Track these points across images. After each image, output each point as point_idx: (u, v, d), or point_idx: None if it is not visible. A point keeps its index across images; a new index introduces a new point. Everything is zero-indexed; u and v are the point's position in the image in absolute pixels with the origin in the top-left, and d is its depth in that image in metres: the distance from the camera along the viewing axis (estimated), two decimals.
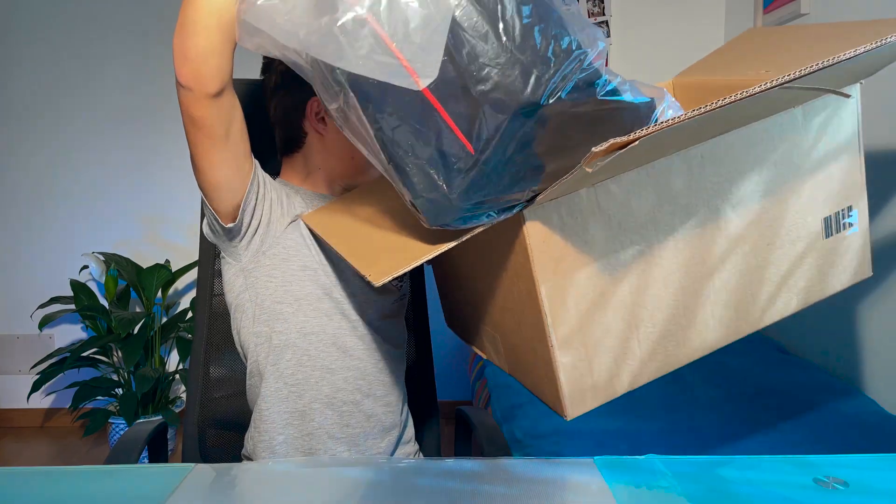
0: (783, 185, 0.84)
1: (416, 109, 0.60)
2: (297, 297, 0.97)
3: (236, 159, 0.89)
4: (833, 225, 0.90)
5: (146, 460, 1.10)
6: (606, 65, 2.79)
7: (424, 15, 0.58)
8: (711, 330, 0.85)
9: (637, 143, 0.59)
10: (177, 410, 2.45)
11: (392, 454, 1.05)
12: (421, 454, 1.16)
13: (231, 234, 0.95)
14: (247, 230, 0.95)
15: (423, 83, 0.59)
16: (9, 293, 2.68)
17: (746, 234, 0.84)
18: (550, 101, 0.61)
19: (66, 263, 2.64)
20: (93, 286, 2.60)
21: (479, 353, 1.02)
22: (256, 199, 0.93)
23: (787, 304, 0.89)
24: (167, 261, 2.60)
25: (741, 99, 0.63)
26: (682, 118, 0.61)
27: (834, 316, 1.79)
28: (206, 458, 1.15)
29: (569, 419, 0.80)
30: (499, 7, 0.60)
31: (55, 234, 2.66)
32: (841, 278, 0.92)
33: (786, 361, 1.82)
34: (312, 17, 0.61)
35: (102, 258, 2.49)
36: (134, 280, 2.46)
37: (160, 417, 2.33)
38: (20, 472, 0.79)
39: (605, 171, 0.68)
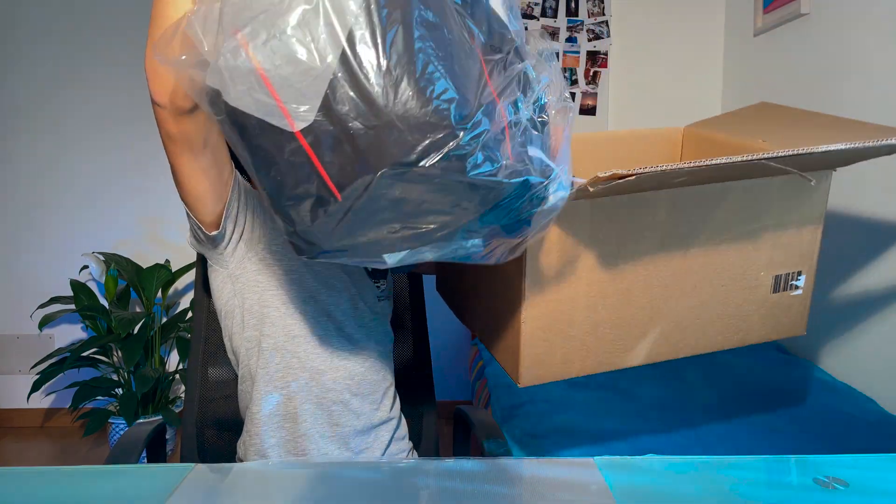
0: (749, 239, 0.97)
1: (290, 148, 0.61)
2: (284, 301, 0.98)
3: (216, 168, 0.88)
4: (782, 283, 1.02)
5: (146, 461, 1.10)
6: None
7: (307, 62, 0.58)
8: (657, 345, 0.98)
9: (633, 177, 0.71)
10: (177, 410, 2.45)
11: (384, 452, 1.06)
12: (415, 452, 1.16)
13: (215, 242, 0.95)
14: (231, 237, 0.95)
15: (297, 126, 0.59)
16: (9, 293, 2.68)
17: (708, 271, 0.96)
18: (421, 166, 0.59)
19: (66, 263, 2.64)
20: (93, 286, 2.60)
21: (457, 314, 1.16)
22: (238, 206, 0.94)
23: (726, 340, 1.02)
24: (167, 261, 2.60)
25: (726, 164, 0.75)
26: (674, 167, 0.72)
27: (834, 316, 1.79)
28: (204, 458, 1.15)
29: (521, 386, 0.92)
30: (384, 66, 0.58)
31: (55, 234, 2.66)
32: (777, 330, 1.04)
33: (786, 361, 1.82)
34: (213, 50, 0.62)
35: (102, 258, 2.49)
36: (134, 280, 2.46)
37: (160, 417, 2.33)
38: (20, 472, 0.79)
39: (604, 190, 0.78)
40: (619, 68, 2.62)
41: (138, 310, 2.56)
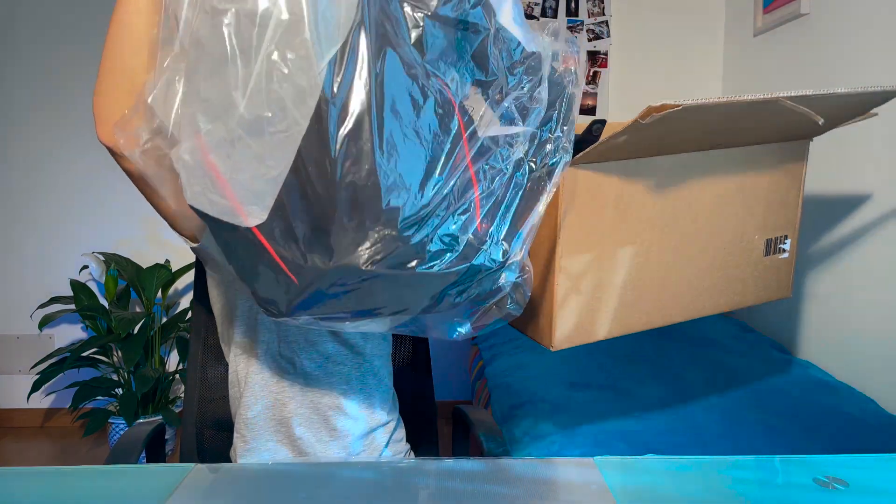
0: (744, 204, 1.06)
1: (248, 239, 0.64)
2: None
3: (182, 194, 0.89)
4: (772, 247, 1.12)
5: (145, 461, 1.10)
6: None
7: (262, 166, 0.59)
8: (670, 307, 1.03)
9: (680, 108, 0.76)
10: (177, 410, 2.45)
11: (380, 455, 1.06)
12: (412, 454, 1.16)
13: (200, 252, 0.95)
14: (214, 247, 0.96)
15: (251, 222, 0.62)
16: (9, 293, 2.68)
17: (712, 235, 1.04)
18: (369, 268, 0.61)
19: (66, 263, 2.64)
20: (93, 286, 2.60)
21: None
22: None
23: (727, 302, 1.10)
24: (167, 261, 2.60)
25: (758, 100, 0.82)
26: (711, 101, 0.78)
27: (833, 316, 1.79)
28: (204, 458, 1.15)
29: (554, 349, 0.94)
30: (337, 170, 0.58)
31: (55, 234, 2.66)
32: (768, 292, 1.14)
33: (786, 361, 1.82)
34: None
35: (102, 258, 2.49)
36: (134, 280, 2.46)
37: (160, 417, 2.33)
38: (20, 472, 0.79)
39: (634, 148, 0.87)
40: (619, 68, 2.62)
41: (138, 310, 2.56)
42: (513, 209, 0.69)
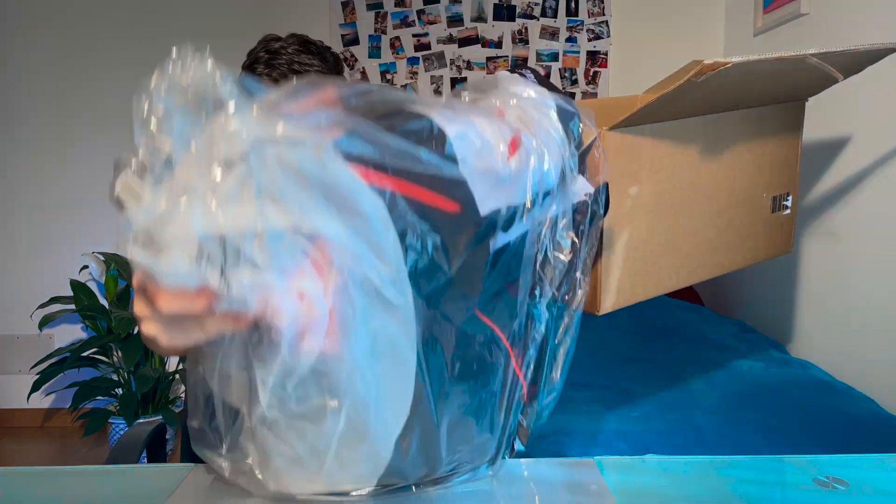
0: (755, 163, 1.14)
1: None
2: None
3: None
4: (778, 203, 1.20)
5: (146, 461, 1.10)
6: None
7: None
8: (697, 265, 1.09)
9: (730, 65, 0.81)
10: (177, 410, 2.45)
11: None
12: None
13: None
14: None
15: None
16: (9, 293, 2.68)
17: (731, 193, 1.11)
18: None
19: (66, 263, 2.63)
20: (93, 286, 2.60)
21: None
22: None
23: (743, 259, 1.17)
24: None
25: (795, 57, 0.91)
26: (755, 58, 0.84)
27: (833, 316, 1.79)
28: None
29: (600, 313, 0.97)
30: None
31: (55, 234, 2.66)
32: (774, 248, 1.22)
33: (786, 361, 1.81)
34: None
35: (102, 258, 2.49)
36: None
37: (160, 417, 2.33)
38: (20, 472, 0.79)
39: (671, 109, 0.93)
40: (619, 68, 2.62)
41: None
42: (551, 354, 0.70)
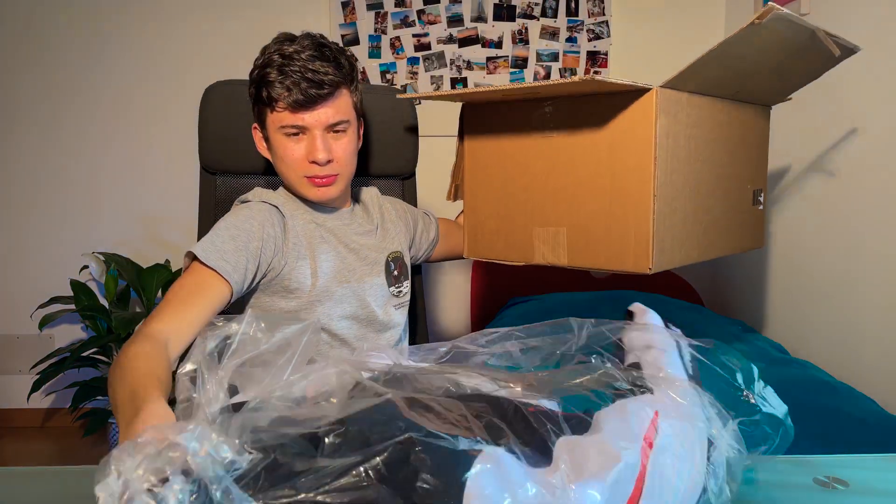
0: (743, 156, 1.22)
1: None
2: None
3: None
4: (756, 197, 1.27)
5: None
6: (604, 64, 2.67)
7: None
8: (702, 241, 1.12)
9: (783, 11, 0.87)
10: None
11: None
12: None
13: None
14: (246, 288, 1.07)
15: None
16: (9, 293, 2.68)
17: (729, 180, 1.18)
18: None
19: (66, 263, 2.63)
20: (93, 286, 2.60)
21: (519, 261, 1.20)
22: (248, 281, 1.05)
23: (732, 246, 1.21)
24: (167, 261, 2.60)
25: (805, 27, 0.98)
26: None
27: (832, 316, 1.79)
28: None
29: (652, 272, 1.01)
30: None
31: (55, 234, 2.66)
32: (752, 240, 1.28)
33: (786, 361, 1.81)
34: None
35: (102, 258, 2.49)
36: (134, 280, 2.46)
37: None
38: (20, 472, 0.79)
39: (713, 77, 1.02)
40: (619, 68, 2.62)
41: (138, 310, 2.56)
42: None
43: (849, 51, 1.14)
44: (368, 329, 1.19)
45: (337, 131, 1.11)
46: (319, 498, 0.46)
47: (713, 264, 2.61)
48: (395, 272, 1.24)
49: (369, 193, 1.33)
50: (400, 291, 1.24)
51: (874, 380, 1.61)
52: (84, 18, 2.55)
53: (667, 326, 0.74)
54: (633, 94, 0.99)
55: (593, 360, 0.67)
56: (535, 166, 1.13)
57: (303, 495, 0.47)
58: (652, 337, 0.71)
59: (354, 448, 0.50)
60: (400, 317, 1.25)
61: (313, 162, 1.09)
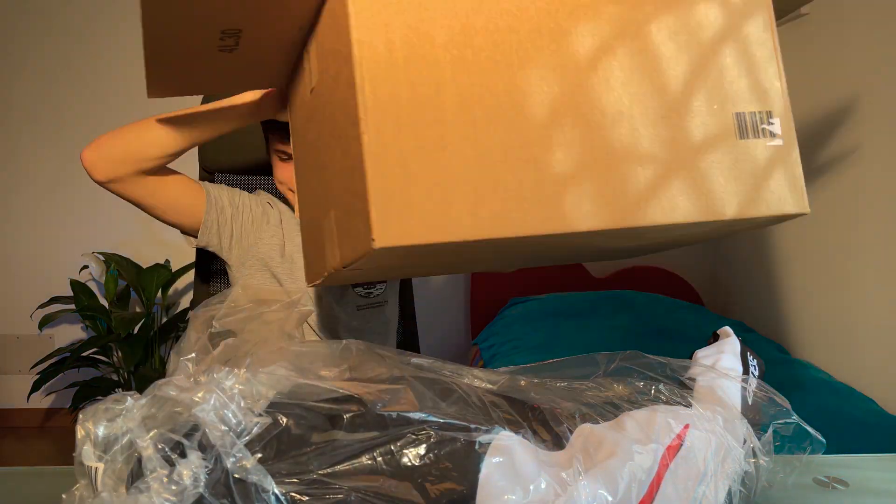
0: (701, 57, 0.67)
1: None
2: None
3: (178, 212, 1.03)
4: (748, 125, 0.71)
5: None
6: None
7: None
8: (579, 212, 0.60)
9: None
10: None
11: None
12: None
13: (204, 246, 1.08)
14: (217, 247, 1.09)
15: None
16: (9, 293, 2.68)
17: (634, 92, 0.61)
18: None
19: (66, 263, 2.63)
20: (93, 286, 2.60)
21: (331, 271, 0.64)
22: (218, 225, 1.07)
23: (685, 207, 0.62)
24: (167, 261, 2.60)
25: None
26: None
27: (832, 316, 1.79)
28: None
29: (376, 248, 0.49)
30: None
31: (55, 234, 2.66)
32: (767, 202, 0.69)
33: (786, 361, 1.81)
34: None
35: (102, 258, 2.49)
36: (134, 280, 2.45)
37: None
38: (20, 472, 0.79)
39: None
40: None
41: (138, 310, 2.56)
42: None
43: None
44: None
45: None
46: (331, 480, 0.47)
47: (713, 264, 2.60)
48: None
49: None
50: (370, 293, 1.25)
51: (874, 380, 1.62)
52: (84, 17, 2.55)
53: (747, 359, 0.73)
54: None
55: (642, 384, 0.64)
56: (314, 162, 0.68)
57: (314, 475, 0.47)
58: (721, 363, 0.69)
59: (370, 429, 0.51)
60: (373, 317, 1.25)
61: None
